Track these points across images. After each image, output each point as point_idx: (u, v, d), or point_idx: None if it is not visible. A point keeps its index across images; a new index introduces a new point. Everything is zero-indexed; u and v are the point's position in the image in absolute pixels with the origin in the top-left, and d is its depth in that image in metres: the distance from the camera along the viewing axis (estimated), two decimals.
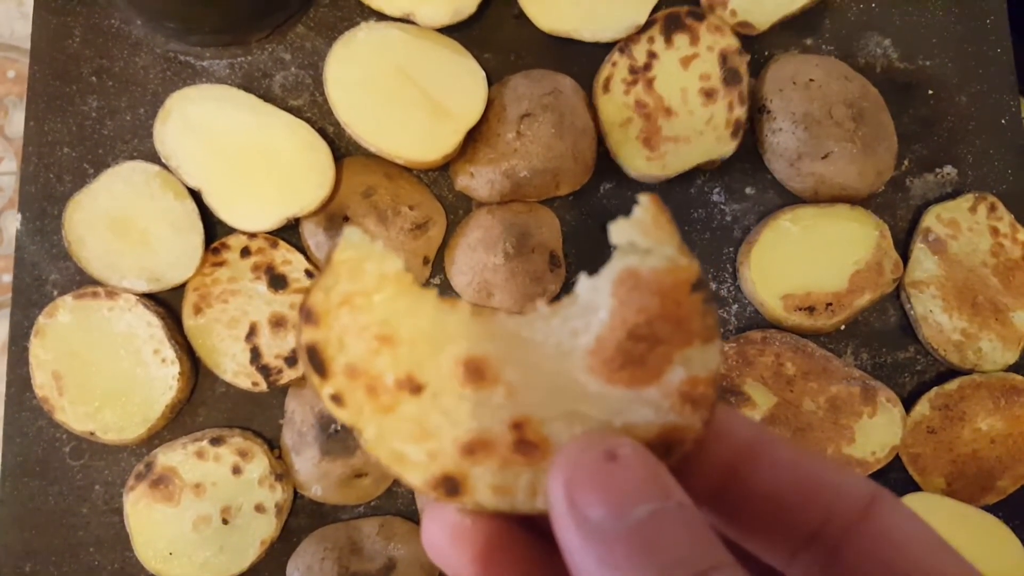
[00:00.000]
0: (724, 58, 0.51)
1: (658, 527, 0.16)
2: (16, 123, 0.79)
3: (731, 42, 0.51)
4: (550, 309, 0.19)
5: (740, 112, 0.51)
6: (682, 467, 0.18)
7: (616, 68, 0.52)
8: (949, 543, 0.19)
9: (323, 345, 0.19)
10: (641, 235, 0.18)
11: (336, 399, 0.19)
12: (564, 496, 0.17)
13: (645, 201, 0.18)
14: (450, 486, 0.18)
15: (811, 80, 0.51)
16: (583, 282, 0.19)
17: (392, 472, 0.19)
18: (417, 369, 0.19)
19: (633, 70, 0.51)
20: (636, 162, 0.51)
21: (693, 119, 0.51)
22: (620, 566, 0.16)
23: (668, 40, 0.51)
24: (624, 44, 0.52)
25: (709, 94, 0.51)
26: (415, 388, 0.19)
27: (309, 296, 0.19)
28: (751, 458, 0.19)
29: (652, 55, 0.51)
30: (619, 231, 0.18)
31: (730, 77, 0.51)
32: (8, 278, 0.77)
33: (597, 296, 0.18)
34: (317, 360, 0.19)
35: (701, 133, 0.51)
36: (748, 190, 0.53)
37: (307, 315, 0.19)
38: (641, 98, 0.51)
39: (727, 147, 0.51)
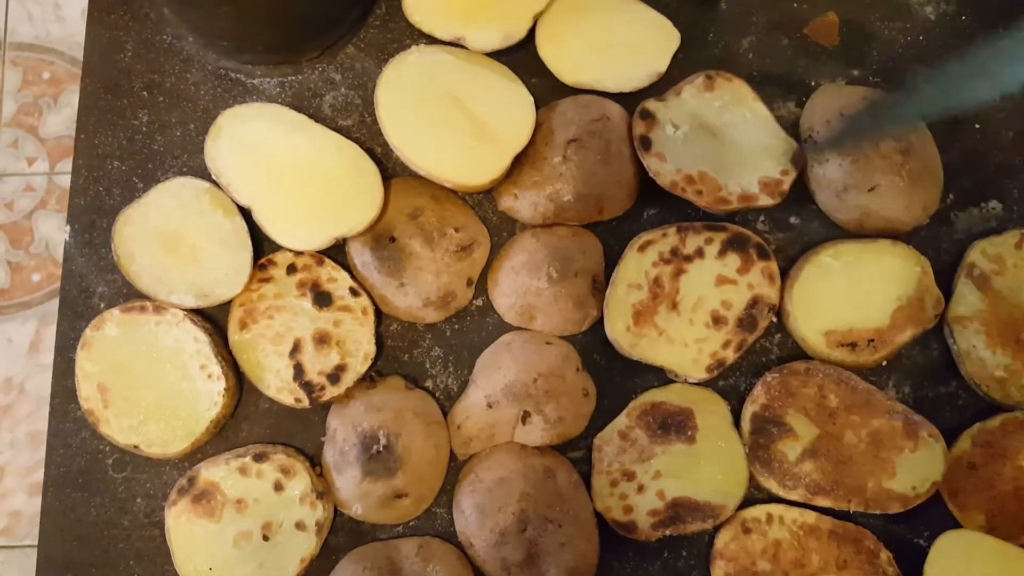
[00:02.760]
0: (755, 303, 0.50)
1: None
2: (50, 124, 0.80)
3: (771, 295, 0.50)
4: None
5: (730, 357, 0.50)
6: None
7: (664, 240, 0.50)
8: None
9: None
10: None
11: None
12: None
13: None
14: None
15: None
16: None
17: None
18: None
19: (675, 252, 0.50)
20: (616, 323, 0.50)
21: (688, 329, 0.50)
22: None
23: (723, 252, 0.50)
24: (684, 227, 0.50)
25: (718, 320, 0.50)
26: None
27: None
28: None
29: (700, 253, 0.50)
30: None
31: (747, 322, 0.50)
32: (38, 277, 0.78)
33: None
34: None
35: (685, 346, 0.50)
36: (792, 220, 0.53)
37: None
38: (662, 279, 0.50)
39: (696, 374, 0.50)
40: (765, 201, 0.51)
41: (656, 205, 0.54)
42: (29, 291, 0.77)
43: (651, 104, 0.52)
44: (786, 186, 0.51)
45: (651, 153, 0.51)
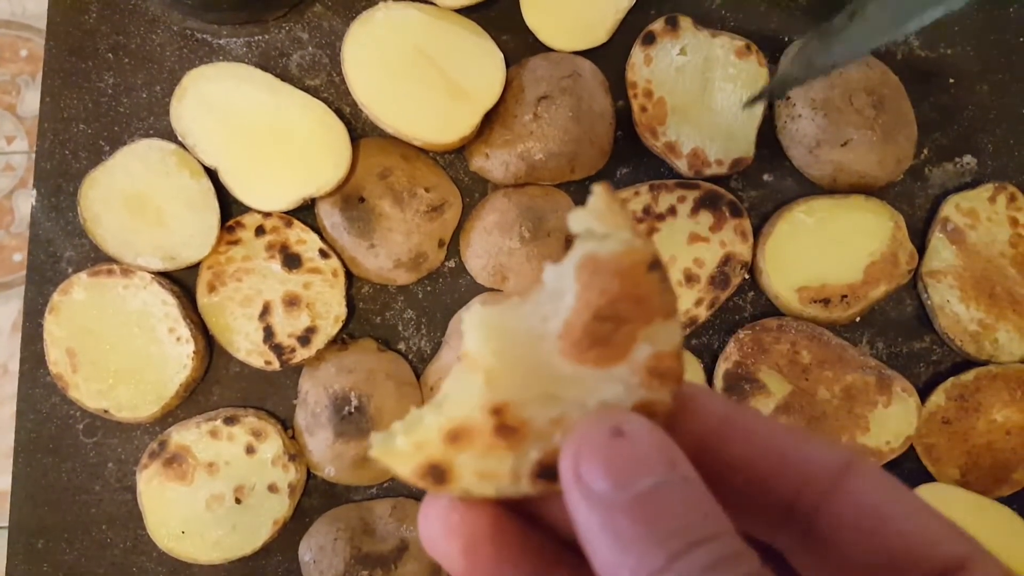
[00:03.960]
0: (727, 260, 0.50)
1: (660, 498, 0.17)
2: (28, 102, 0.79)
3: (743, 252, 0.50)
4: (520, 298, 0.19)
5: (703, 315, 0.50)
6: None
7: (636, 198, 0.50)
8: (930, 504, 0.19)
9: None
10: (597, 222, 0.19)
11: None
12: (571, 469, 0.17)
13: (598, 190, 0.19)
14: (437, 474, 0.19)
15: None
16: (549, 270, 0.19)
17: (383, 464, 0.19)
18: None
19: (647, 211, 0.50)
20: None
21: None
22: (622, 534, 0.16)
23: (695, 210, 0.50)
24: (657, 185, 0.50)
25: (690, 279, 0.49)
26: None
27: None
28: (723, 432, 0.20)
29: (672, 211, 0.50)
30: (577, 219, 0.19)
31: (719, 279, 0.49)
32: (19, 257, 0.77)
33: (562, 282, 0.19)
34: None
35: None
36: (766, 177, 0.53)
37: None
38: None
39: None
40: (678, 166, 0.51)
41: (629, 164, 0.53)
42: (11, 271, 0.76)
43: (684, 20, 0.52)
44: (684, 170, 0.51)
45: (646, 47, 0.51)
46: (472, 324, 0.19)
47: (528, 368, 0.19)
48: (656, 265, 0.19)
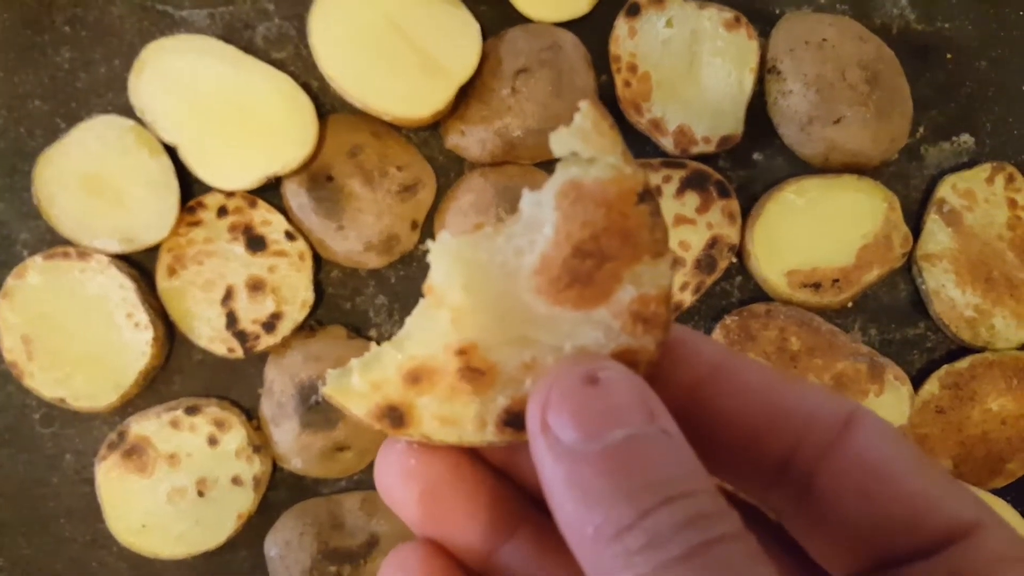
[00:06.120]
0: (714, 243, 0.48)
1: (633, 451, 0.15)
2: None
3: (731, 234, 0.48)
4: (494, 228, 0.18)
5: (688, 300, 0.48)
6: None
7: None
8: (932, 462, 0.17)
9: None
10: (583, 143, 0.17)
11: None
12: (538, 417, 0.16)
13: (585, 107, 0.17)
14: (395, 417, 0.17)
15: (824, 40, 0.48)
16: (526, 197, 0.17)
17: (337, 404, 0.18)
18: None
19: None
20: None
21: None
22: (587, 487, 0.15)
23: (681, 191, 0.48)
24: (641, 164, 0.48)
25: (675, 262, 0.48)
26: None
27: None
28: (716, 382, 0.18)
29: (657, 192, 0.48)
30: (560, 141, 0.17)
31: (706, 263, 0.47)
32: None
33: (541, 211, 0.17)
34: None
35: None
36: (755, 156, 0.51)
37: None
38: None
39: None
40: (664, 144, 0.49)
41: None
42: None
43: None
44: (670, 148, 0.49)
45: (631, 19, 0.49)
46: (439, 255, 0.17)
47: (499, 306, 0.17)
48: (647, 196, 0.17)
